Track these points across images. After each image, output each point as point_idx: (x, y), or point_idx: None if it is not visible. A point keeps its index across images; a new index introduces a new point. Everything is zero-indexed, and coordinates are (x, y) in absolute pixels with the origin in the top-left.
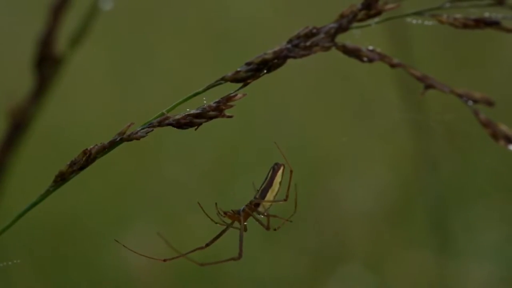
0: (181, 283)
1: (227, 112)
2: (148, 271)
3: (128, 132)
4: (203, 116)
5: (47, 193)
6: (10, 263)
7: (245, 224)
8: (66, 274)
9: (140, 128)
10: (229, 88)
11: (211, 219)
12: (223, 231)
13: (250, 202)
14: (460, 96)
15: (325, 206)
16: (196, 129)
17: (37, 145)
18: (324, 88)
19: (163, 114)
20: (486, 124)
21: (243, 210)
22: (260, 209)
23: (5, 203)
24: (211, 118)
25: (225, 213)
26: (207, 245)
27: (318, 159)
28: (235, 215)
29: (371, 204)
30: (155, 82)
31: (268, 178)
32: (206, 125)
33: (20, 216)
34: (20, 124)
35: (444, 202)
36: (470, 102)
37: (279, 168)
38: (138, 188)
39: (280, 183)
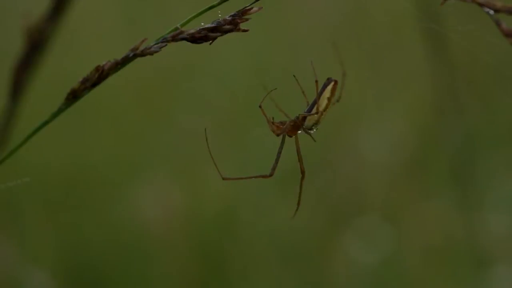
0: (196, 234)
1: (243, 26)
2: (161, 221)
3: (141, 48)
4: (218, 30)
5: (59, 111)
6: (19, 181)
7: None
8: (79, 222)
9: (153, 43)
10: (244, 2)
11: (269, 123)
12: (280, 147)
13: (297, 116)
14: (481, 5)
15: (342, 156)
16: (210, 44)
17: (50, 92)
18: (342, 36)
19: (177, 28)
20: (508, 34)
21: (291, 121)
22: (307, 123)
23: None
24: (226, 32)
25: (273, 123)
26: (271, 175)
27: (335, 108)
28: (281, 126)
29: (389, 154)
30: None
31: (318, 93)
32: (222, 70)
33: (32, 134)
34: (37, 44)
35: (463, 152)
36: (492, 12)
37: (329, 83)
38: (152, 138)
39: (328, 99)
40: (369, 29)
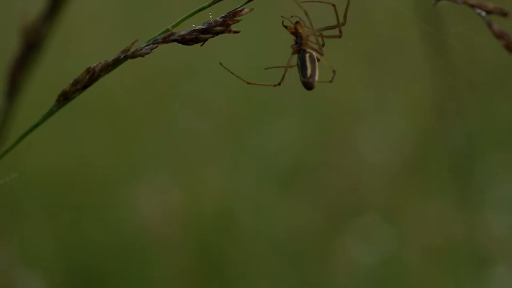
0: (195, 235)
1: (234, 27)
2: (160, 221)
3: (132, 49)
4: (209, 31)
5: (50, 113)
6: (8, 178)
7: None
8: (78, 222)
9: (144, 44)
10: (235, 3)
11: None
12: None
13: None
14: (472, 6)
15: (342, 156)
16: (201, 45)
17: (48, 92)
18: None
19: (168, 30)
20: (500, 36)
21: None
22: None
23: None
24: (217, 33)
25: (285, 26)
26: (279, 83)
27: (335, 109)
28: (294, 28)
29: (389, 154)
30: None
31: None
32: (220, 71)
33: (22, 137)
34: (33, 43)
35: (463, 152)
36: (483, 13)
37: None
38: (151, 138)
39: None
40: (369, 29)
